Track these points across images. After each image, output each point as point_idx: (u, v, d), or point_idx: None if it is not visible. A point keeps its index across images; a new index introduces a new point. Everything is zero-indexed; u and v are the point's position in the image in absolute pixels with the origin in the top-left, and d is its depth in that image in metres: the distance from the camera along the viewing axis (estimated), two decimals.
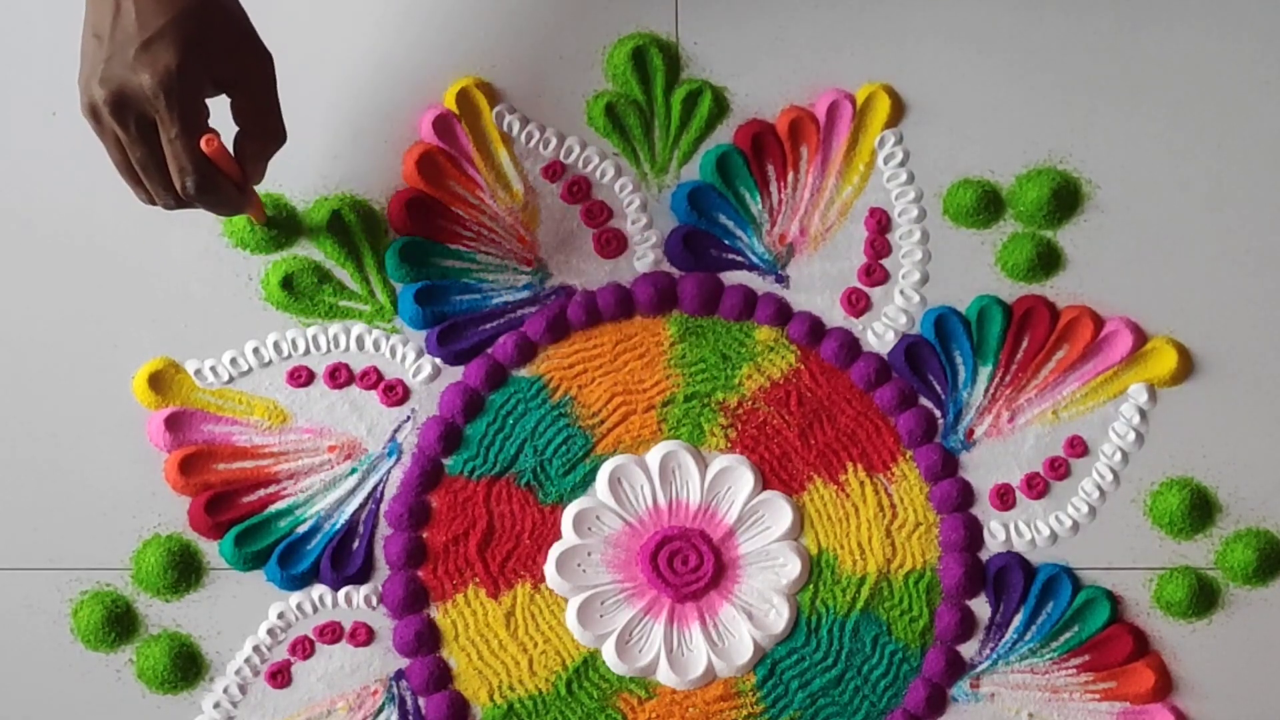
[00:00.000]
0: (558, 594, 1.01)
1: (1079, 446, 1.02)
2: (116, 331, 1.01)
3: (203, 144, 0.84)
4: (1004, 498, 1.02)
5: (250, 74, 0.84)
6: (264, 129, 0.85)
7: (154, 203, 0.87)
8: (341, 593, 1.00)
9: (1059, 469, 1.02)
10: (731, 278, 1.03)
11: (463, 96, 1.02)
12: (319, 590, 1.00)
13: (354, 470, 1.01)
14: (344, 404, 1.01)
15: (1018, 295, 1.03)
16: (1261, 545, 1.02)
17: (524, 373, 1.02)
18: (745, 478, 1.01)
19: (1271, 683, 1.03)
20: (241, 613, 1.00)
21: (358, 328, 1.02)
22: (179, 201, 0.85)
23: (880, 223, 1.03)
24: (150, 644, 1.00)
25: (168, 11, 0.81)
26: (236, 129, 0.88)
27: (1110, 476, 1.02)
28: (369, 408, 1.02)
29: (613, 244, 1.03)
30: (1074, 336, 1.03)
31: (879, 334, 1.03)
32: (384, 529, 1.01)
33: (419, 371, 1.02)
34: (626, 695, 1.01)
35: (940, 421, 1.02)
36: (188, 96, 0.81)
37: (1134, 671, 1.02)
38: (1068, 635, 1.02)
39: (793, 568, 1.01)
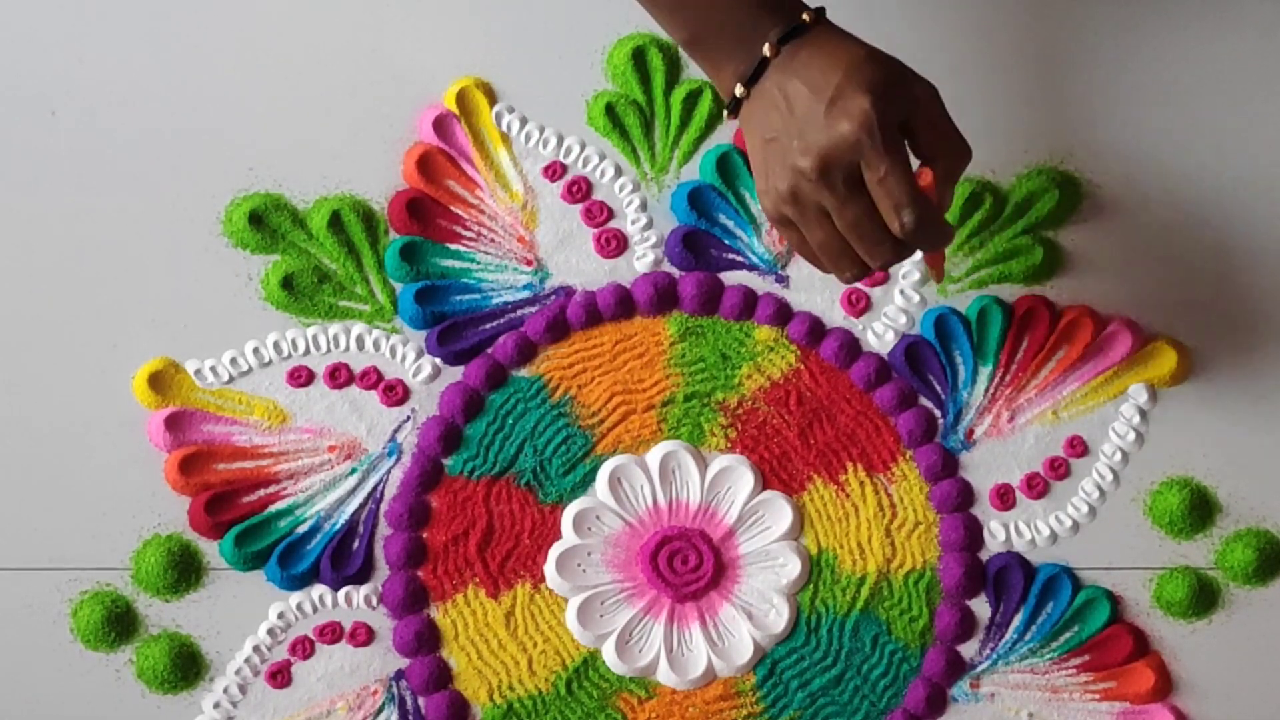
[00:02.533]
0: (558, 594, 1.01)
1: (1079, 446, 1.02)
2: (116, 331, 1.01)
3: (919, 178, 0.84)
4: (1004, 498, 1.02)
5: (923, 101, 0.85)
6: (952, 149, 0.86)
7: (860, 275, 0.87)
8: (341, 593, 1.01)
9: (1059, 469, 1.02)
10: (731, 278, 1.03)
11: (463, 96, 1.02)
12: (319, 590, 1.00)
13: (354, 470, 1.01)
14: (344, 404, 1.01)
15: (1018, 295, 1.03)
16: (1261, 545, 1.02)
17: (524, 373, 1.02)
18: (745, 478, 1.01)
19: (1271, 683, 1.03)
20: (241, 613, 1.00)
21: (358, 328, 1.02)
22: (893, 255, 0.85)
23: None
24: (150, 644, 1.00)
25: (837, 70, 0.83)
26: (918, 161, 0.87)
27: (1110, 476, 1.02)
28: (369, 408, 1.02)
29: (613, 244, 1.03)
30: (1074, 336, 1.02)
31: (879, 334, 1.03)
32: (384, 529, 1.01)
33: (419, 371, 1.02)
34: (626, 695, 1.01)
35: (940, 421, 1.02)
36: (889, 131, 0.82)
37: (1134, 671, 1.02)
38: (1068, 635, 1.02)
39: (793, 568, 1.01)
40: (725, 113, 0.88)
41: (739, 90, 0.86)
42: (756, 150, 0.86)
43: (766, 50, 0.85)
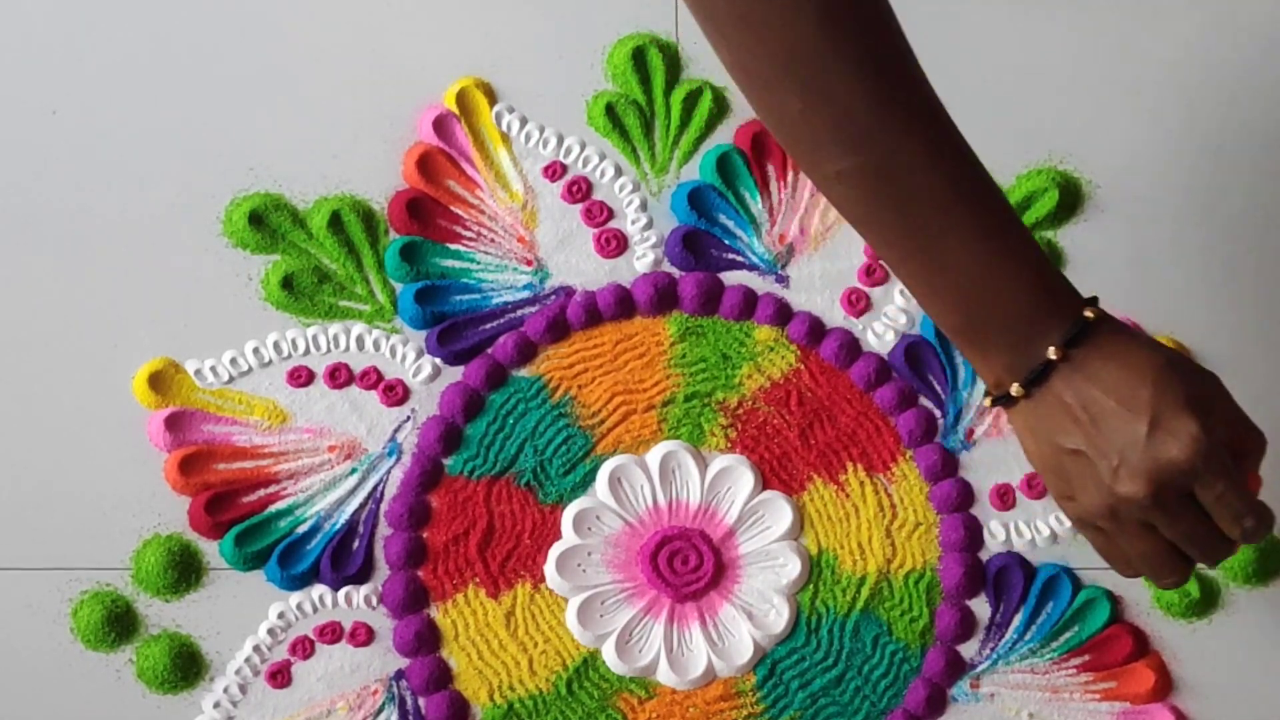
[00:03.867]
0: (558, 594, 1.01)
1: None
2: (116, 331, 1.01)
3: (1251, 484, 0.82)
4: (1004, 497, 1.02)
5: (1219, 393, 0.82)
6: (1254, 441, 0.83)
7: (1183, 581, 0.84)
8: (341, 593, 1.01)
9: None
10: (731, 278, 1.03)
11: (463, 96, 1.02)
12: (319, 590, 1.00)
13: (354, 470, 1.01)
14: (344, 404, 1.02)
15: None
16: (1261, 545, 1.02)
17: (524, 373, 1.02)
18: (745, 478, 1.01)
19: (1271, 683, 1.03)
20: (241, 613, 1.00)
21: (358, 328, 1.02)
22: (1228, 554, 0.83)
23: None
24: (150, 644, 1.00)
25: (1143, 383, 0.79)
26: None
27: None
28: (369, 408, 1.02)
29: (613, 244, 1.03)
30: None
31: (879, 334, 1.03)
32: (384, 529, 1.01)
33: (419, 371, 1.02)
34: (626, 695, 1.01)
35: (940, 421, 1.02)
36: (1220, 448, 0.79)
37: (1134, 671, 1.02)
38: (1068, 635, 1.02)
39: (793, 568, 1.01)
40: (989, 401, 0.83)
41: (1015, 389, 0.81)
42: (1046, 455, 0.82)
43: (1052, 353, 0.80)
